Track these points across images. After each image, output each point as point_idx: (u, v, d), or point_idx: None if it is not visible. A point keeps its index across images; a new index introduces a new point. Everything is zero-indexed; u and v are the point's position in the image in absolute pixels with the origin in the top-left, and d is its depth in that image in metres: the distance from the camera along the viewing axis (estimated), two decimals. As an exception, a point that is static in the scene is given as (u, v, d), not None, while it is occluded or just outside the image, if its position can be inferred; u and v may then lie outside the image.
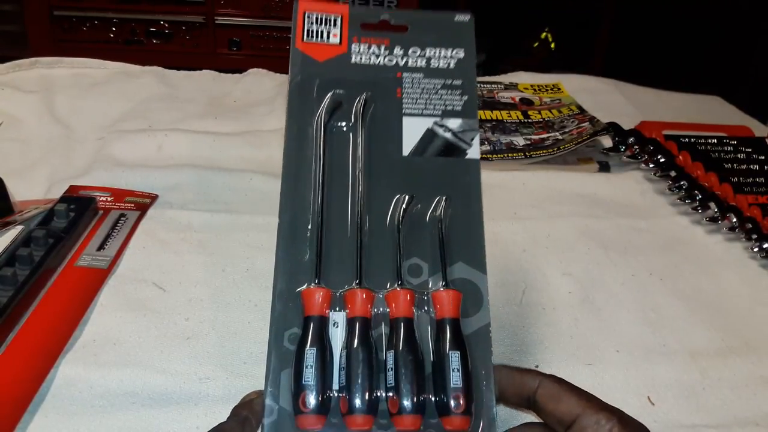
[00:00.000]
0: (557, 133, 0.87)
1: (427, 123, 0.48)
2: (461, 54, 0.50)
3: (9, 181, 0.66)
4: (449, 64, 0.50)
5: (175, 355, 0.52)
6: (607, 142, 0.86)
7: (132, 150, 0.77)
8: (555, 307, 0.61)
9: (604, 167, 0.83)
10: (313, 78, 0.48)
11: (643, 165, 0.84)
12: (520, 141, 0.85)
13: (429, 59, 0.50)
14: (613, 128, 0.85)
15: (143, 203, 0.69)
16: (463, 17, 0.51)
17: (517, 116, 0.91)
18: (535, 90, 1.00)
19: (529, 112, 0.93)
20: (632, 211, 0.77)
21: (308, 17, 0.49)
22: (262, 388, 0.50)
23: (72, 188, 0.69)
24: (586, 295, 0.63)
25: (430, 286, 0.43)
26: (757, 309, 0.65)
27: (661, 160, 0.82)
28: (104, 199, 0.68)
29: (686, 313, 0.63)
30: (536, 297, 0.62)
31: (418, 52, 0.49)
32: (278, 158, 0.79)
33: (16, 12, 1.87)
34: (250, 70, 1.00)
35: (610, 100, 1.03)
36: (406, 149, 0.47)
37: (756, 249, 0.71)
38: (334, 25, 0.49)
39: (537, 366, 0.55)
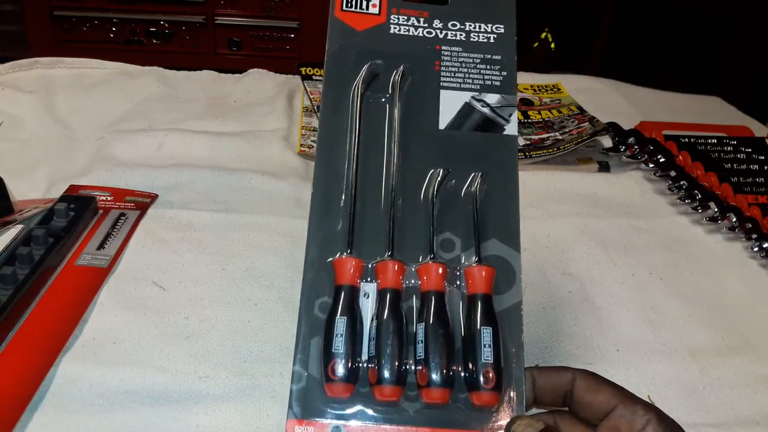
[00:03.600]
0: (557, 133, 0.87)
1: (464, 97, 0.47)
2: (501, 29, 0.50)
3: (9, 181, 0.66)
4: (489, 38, 0.49)
5: (175, 354, 0.52)
6: (607, 142, 0.86)
7: (132, 150, 0.77)
8: (555, 307, 0.61)
9: (604, 167, 0.83)
10: (351, 47, 0.47)
11: (643, 165, 0.84)
12: (520, 141, 0.85)
13: (468, 33, 0.49)
14: (613, 128, 0.85)
15: (143, 203, 0.69)
16: None
17: (517, 116, 0.91)
18: (535, 90, 1.00)
19: (529, 113, 0.93)
20: (632, 211, 0.77)
21: None
22: (262, 386, 0.51)
23: (72, 188, 0.69)
24: (586, 295, 0.63)
25: (462, 261, 0.43)
26: (757, 308, 0.65)
27: (661, 160, 0.82)
28: (104, 198, 0.68)
29: (686, 313, 0.63)
30: (536, 296, 0.62)
31: (458, 26, 0.49)
32: (278, 158, 0.80)
33: (16, 12, 1.87)
34: (250, 70, 1.00)
35: (610, 100, 1.03)
36: (443, 123, 0.47)
37: (756, 249, 0.71)
38: None
39: (537, 365, 0.55)
